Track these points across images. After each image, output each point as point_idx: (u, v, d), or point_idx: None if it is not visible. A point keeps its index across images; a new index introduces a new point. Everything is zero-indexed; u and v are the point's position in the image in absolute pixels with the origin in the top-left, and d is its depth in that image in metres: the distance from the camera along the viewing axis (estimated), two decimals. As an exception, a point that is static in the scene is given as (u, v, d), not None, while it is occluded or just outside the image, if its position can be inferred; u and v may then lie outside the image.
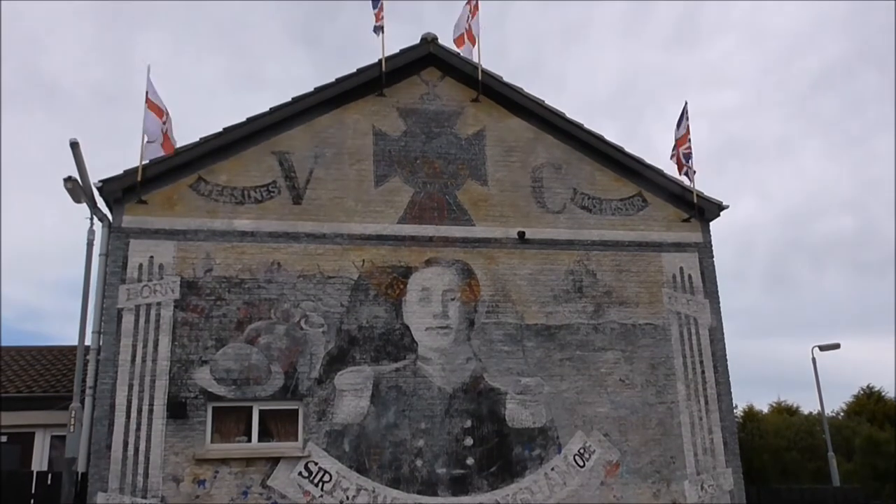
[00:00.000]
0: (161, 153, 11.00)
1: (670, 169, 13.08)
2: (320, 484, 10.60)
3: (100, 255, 10.95)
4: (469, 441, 11.21)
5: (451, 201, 12.25)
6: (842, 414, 36.51)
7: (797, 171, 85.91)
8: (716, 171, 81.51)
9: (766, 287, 75.81)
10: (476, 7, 12.69)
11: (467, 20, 12.62)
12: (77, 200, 10.86)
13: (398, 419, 11.08)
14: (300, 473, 10.59)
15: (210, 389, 10.66)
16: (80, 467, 10.07)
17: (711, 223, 13.16)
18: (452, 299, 11.77)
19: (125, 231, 11.05)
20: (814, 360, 23.78)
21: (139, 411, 10.40)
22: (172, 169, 11.38)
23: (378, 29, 12.18)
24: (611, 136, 14.15)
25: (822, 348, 23.72)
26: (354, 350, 11.24)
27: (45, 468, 12.46)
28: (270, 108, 11.87)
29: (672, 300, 12.53)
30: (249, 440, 10.71)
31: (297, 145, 11.98)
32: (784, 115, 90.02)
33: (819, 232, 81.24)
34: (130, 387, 10.46)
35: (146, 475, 10.17)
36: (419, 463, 10.97)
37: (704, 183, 18.91)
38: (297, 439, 10.81)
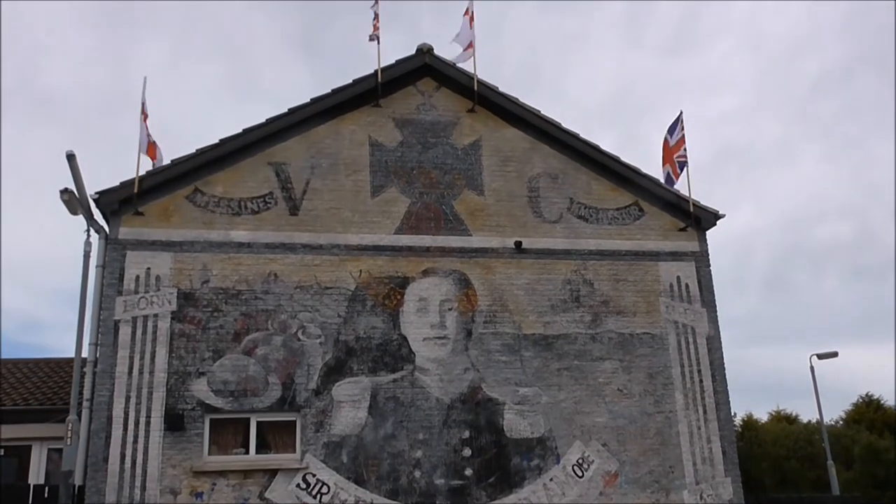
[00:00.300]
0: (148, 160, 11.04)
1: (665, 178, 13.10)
2: (318, 496, 10.57)
3: (97, 266, 10.94)
4: (467, 452, 11.18)
5: (447, 211, 12.27)
6: (841, 422, 36.48)
7: (796, 176, 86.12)
8: (714, 176, 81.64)
9: (764, 294, 75.84)
10: (472, 16, 12.74)
11: (471, 30, 12.63)
12: (74, 212, 10.86)
13: (396, 430, 11.06)
14: (298, 485, 10.55)
15: (207, 401, 10.64)
16: (77, 480, 10.03)
17: (708, 231, 13.18)
18: (450, 309, 11.76)
19: (122, 242, 11.05)
20: (812, 368, 23.75)
21: (136, 423, 10.37)
22: (169, 180, 11.39)
23: (374, 38, 12.22)
24: (608, 144, 14.22)
25: (820, 356, 23.68)
26: (352, 361, 11.23)
27: (41, 481, 12.41)
28: (267, 119, 11.90)
29: (669, 309, 12.53)
30: (247, 452, 10.69)
31: (293, 156, 12.00)
32: (782, 120, 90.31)
33: (818, 237, 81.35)
34: (127, 399, 10.44)
35: (143, 488, 10.13)
36: (417, 474, 10.94)
37: (702, 189, 18.97)
38: (294, 451, 10.78)
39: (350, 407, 11.01)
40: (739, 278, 70.35)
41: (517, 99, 12.93)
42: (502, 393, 11.56)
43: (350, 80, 12.36)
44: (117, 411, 10.35)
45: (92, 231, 11.12)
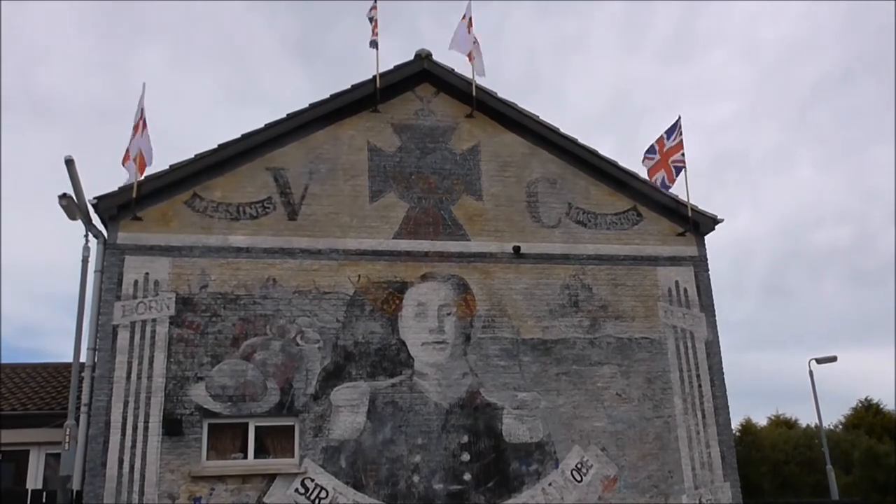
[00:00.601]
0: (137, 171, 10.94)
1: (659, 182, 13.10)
2: (317, 500, 10.56)
3: (95, 271, 10.93)
4: (466, 456, 11.17)
5: (446, 216, 12.28)
6: (840, 427, 36.46)
7: (794, 182, 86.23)
8: (712, 182, 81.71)
9: (762, 299, 75.90)
10: (470, 23, 12.76)
11: (469, 34, 12.63)
12: (72, 217, 10.84)
13: (395, 435, 11.05)
14: (297, 490, 10.54)
15: (206, 406, 10.63)
16: (75, 485, 10.02)
17: (707, 236, 13.19)
18: (448, 314, 11.77)
19: (120, 248, 11.05)
20: (811, 373, 23.76)
21: (134, 428, 10.36)
22: (167, 186, 11.40)
23: (373, 43, 12.25)
24: (606, 149, 14.22)
25: (819, 361, 23.69)
26: (350, 366, 11.22)
27: (39, 486, 12.36)
28: (265, 125, 11.91)
29: (668, 314, 12.54)
30: (245, 457, 10.68)
31: (291, 161, 12.01)
32: (780, 126, 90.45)
33: (816, 242, 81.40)
34: (126, 404, 10.43)
35: (141, 493, 10.12)
36: (416, 479, 10.93)
37: (701, 195, 18.97)
38: (293, 456, 10.77)
39: (348, 412, 11.01)
40: (738, 283, 70.47)
41: (515, 104, 12.95)
42: (501, 398, 11.55)
43: (349, 86, 12.39)
44: (115, 416, 10.35)
45: (90, 236, 11.10)
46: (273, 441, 10.84)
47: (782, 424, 36.80)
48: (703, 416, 12.16)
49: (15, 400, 13.53)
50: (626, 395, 11.96)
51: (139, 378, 10.56)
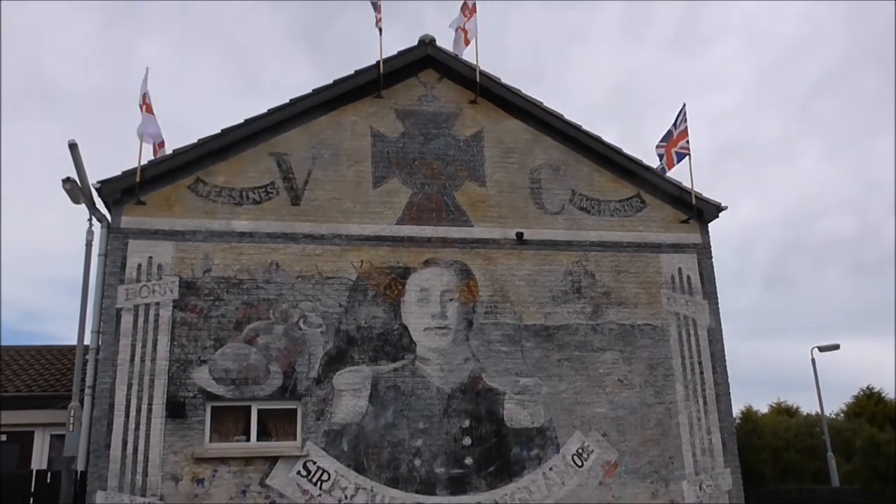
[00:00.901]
0: (154, 151, 11.13)
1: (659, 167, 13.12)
2: (319, 483, 10.63)
3: (99, 255, 10.99)
4: (467, 441, 11.23)
5: (449, 202, 12.28)
6: (842, 415, 36.48)
7: (797, 172, 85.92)
8: (716, 172, 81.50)
9: (765, 287, 75.82)
10: (474, 8, 12.72)
11: (463, 23, 12.65)
12: (76, 201, 10.89)
13: (396, 419, 11.11)
14: (299, 473, 10.61)
15: (209, 389, 10.69)
16: (80, 466, 10.10)
17: (710, 224, 13.18)
18: (451, 300, 11.79)
19: (124, 231, 11.08)
20: (813, 360, 23.80)
21: (138, 411, 10.43)
22: (171, 170, 11.42)
23: (379, 27, 12.20)
24: (610, 137, 14.16)
25: (821, 349, 23.73)
26: (353, 350, 11.27)
27: (44, 467, 12.49)
28: (269, 110, 11.90)
29: (671, 301, 12.55)
30: (248, 439, 10.75)
31: (295, 147, 12.01)
32: (784, 116, 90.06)
33: (819, 232, 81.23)
34: (129, 386, 10.50)
35: (145, 474, 10.20)
36: (417, 462, 11.00)
37: (704, 184, 18.94)
38: (295, 439, 10.84)
39: (351, 396, 11.06)
40: (741, 271, 70.41)
41: (519, 90, 12.91)
42: (503, 383, 11.60)
43: (352, 72, 12.36)
44: (119, 398, 10.41)
45: (94, 220, 11.16)
46: (276, 424, 10.90)
47: (784, 412, 36.82)
48: (705, 403, 12.20)
49: (20, 381, 13.64)
50: (627, 382, 12.00)
51: (143, 361, 10.62)
